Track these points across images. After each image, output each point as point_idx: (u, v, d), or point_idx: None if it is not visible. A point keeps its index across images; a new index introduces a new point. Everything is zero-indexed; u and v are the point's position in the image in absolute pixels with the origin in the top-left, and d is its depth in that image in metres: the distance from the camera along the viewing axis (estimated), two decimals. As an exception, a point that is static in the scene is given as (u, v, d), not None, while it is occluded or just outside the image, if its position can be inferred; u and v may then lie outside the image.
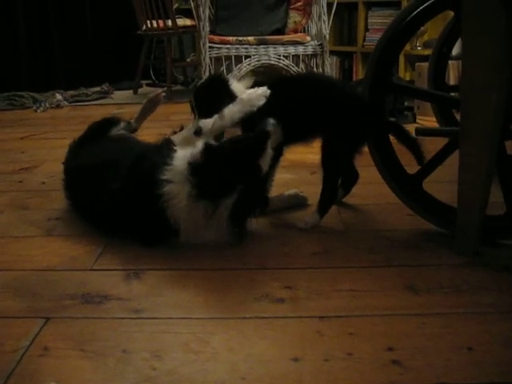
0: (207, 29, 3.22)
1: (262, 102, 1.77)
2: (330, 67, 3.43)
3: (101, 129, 2.15)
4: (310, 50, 3.35)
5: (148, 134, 2.25)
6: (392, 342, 1.20)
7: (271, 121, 1.70)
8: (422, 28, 3.60)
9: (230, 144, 1.69)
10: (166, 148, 1.77)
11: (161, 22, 4.70)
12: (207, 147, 1.66)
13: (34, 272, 1.58)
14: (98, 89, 4.95)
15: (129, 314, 1.34)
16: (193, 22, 4.59)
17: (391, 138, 1.79)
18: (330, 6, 3.36)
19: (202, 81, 2.09)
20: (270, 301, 1.38)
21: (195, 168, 1.62)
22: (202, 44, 3.22)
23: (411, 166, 1.75)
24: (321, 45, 3.35)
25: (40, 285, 1.51)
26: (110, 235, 1.77)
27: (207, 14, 3.24)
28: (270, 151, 1.68)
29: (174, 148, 1.75)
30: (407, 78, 4.25)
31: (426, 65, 3.21)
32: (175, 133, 1.93)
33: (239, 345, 1.21)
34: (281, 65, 3.30)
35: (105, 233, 1.79)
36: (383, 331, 1.24)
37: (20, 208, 2.12)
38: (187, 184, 1.62)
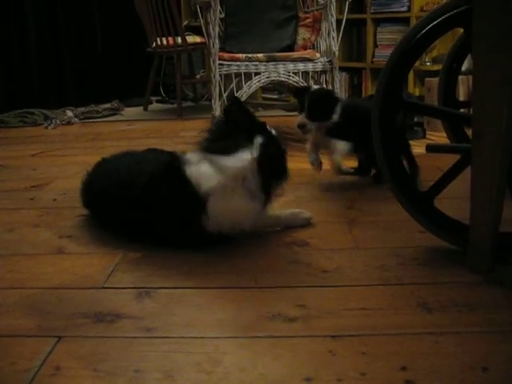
0: (217, 46, 3.24)
1: None
2: (339, 83, 3.44)
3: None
4: (319, 67, 3.36)
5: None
6: (405, 361, 1.19)
7: None
8: (430, 44, 3.61)
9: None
10: None
11: (170, 39, 4.74)
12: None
13: (46, 290, 1.58)
14: (108, 105, 4.99)
15: (141, 333, 1.34)
16: (202, 39, 4.63)
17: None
18: (338, 22, 3.38)
19: (317, 88, 2.52)
20: (282, 320, 1.37)
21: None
22: (211, 61, 3.24)
23: (422, 183, 1.74)
24: (330, 61, 3.36)
25: (52, 303, 1.51)
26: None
27: (217, 32, 3.26)
28: None
29: None
30: (416, 94, 4.25)
31: (435, 80, 3.22)
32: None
33: (251, 365, 1.20)
34: (290, 81, 3.32)
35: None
36: (396, 350, 1.23)
37: (31, 225, 2.13)
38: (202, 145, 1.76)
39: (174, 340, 1.31)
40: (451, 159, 1.73)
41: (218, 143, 1.77)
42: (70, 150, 3.59)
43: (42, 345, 1.29)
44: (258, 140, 1.74)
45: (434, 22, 1.66)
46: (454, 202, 1.80)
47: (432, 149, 1.80)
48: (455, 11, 1.63)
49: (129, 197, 1.81)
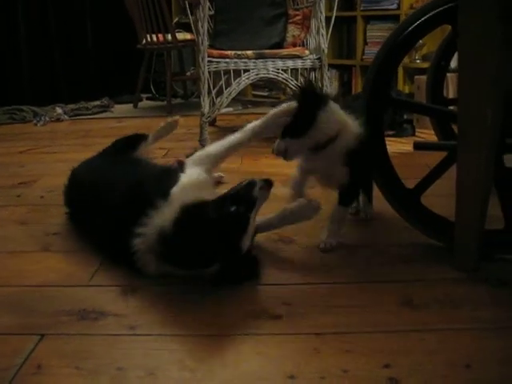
0: (206, 43, 3.23)
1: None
2: (328, 80, 3.43)
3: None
4: (308, 64, 3.35)
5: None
6: (389, 358, 1.19)
7: (258, 184, 1.57)
8: (420, 41, 3.62)
9: (207, 220, 1.49)
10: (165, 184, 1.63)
11: (160, 36, 4.72)
12: (180, 219, 1.49)
13: (31, 288, 1.58)
14: (98, 102, 4.97)
15: (124, 331, 1.33)
16: (192, 36, 4.60)
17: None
18: (328, 19, 3.37)
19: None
20: (266, 317, 1.37)
21: (164, 238, 1.49)
22: (200, 58, 3.22)
23: (409, 180, 1.75)
24: (319, 58, 3.35)
25: (36, 301, 1.50)
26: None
27: (206, 29, 3.24)
28: (252, 225, 1.54)
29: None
30: (406, 91, 4.26)
31: (425, 78, 3.21)
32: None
33: (235, 362, 1.20)
34: (279, 79, 3.31)
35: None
36: (380, 348, 1.23)
37: (18, 223, 2.11)
38: (157, 247, 1.51)
39: (158, 337, 1.31)
40: (440, 156, 1.73)
41: (177, 252, 1.51)
42: (58, 147, 3.57)
43: (25, 343, 1.28)
44: (215, 267, 1.50)
45: (422, 19, 1.67)
46: (441, 199, 1.80)
47: (419, 146, 1.80)
48: (443, 8, 1.64)
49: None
